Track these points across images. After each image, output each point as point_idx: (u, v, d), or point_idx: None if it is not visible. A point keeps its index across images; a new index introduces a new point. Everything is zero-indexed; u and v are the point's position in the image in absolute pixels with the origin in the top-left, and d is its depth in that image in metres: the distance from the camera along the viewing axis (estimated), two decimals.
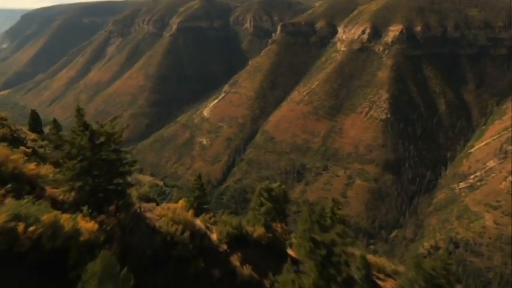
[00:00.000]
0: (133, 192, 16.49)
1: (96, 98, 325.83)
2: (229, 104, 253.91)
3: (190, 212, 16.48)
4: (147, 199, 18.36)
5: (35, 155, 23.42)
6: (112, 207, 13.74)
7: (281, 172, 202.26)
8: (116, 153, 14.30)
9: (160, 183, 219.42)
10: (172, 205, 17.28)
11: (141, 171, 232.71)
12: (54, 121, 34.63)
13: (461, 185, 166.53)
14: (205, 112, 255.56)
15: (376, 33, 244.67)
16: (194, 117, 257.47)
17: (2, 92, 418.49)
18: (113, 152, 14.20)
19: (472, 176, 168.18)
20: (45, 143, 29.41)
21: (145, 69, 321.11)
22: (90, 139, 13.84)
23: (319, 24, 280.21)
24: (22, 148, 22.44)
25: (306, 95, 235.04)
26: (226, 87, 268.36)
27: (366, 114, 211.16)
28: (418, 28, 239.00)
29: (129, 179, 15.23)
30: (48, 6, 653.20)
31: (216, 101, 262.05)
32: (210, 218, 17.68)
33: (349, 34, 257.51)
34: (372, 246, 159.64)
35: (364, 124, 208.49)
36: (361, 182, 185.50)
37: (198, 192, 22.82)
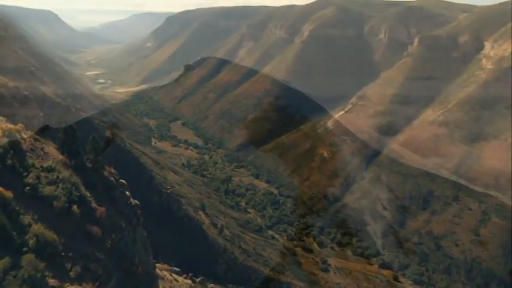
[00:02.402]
0: None
1: (223, 99, 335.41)
2: (356, 116, 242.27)
3: None
4: None
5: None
6: None
7: (404, 196, 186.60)
8: None
9: (275, 191, 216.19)
10: None
11: (257, 177, 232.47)
12: (93, 140, 25.44)
13: None
14: (330, 123, 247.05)
15: None
16: (317, 127, 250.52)
17: (141, 87, 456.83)
18: None
19: None
20: (66, 174, 19.77)
21: (273, 74, 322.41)
22: None
23: (463, 38, 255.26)
24: None
25: (441, 114, 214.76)
26: (353, 99, 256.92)
27: None
28: None
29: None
30: (191, 10, 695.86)
31: (341, 112, 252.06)
32: None
33: (498, 50, 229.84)
34: None
35: (509, 154, 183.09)
36: (498, 220, 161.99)
37: None
